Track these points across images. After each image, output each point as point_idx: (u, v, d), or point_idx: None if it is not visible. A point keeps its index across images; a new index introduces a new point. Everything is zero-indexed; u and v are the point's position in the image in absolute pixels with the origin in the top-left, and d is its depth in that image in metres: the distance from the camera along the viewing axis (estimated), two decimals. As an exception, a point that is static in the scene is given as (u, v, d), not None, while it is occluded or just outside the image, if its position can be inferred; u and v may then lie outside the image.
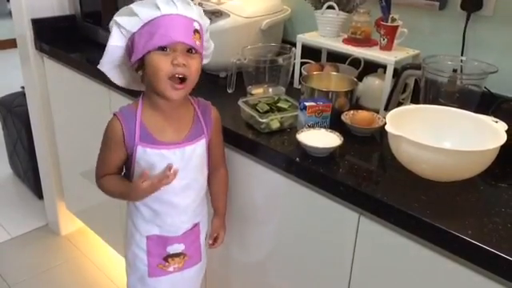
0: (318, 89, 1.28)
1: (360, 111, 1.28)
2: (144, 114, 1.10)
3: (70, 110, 2.05)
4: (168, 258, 1.20)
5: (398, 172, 1.04)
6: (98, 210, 2.12)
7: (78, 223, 2.38)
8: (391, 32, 1.33)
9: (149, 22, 1.00)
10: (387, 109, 1.32)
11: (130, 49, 1.06)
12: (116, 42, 1.05)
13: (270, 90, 1.45)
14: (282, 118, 1.23)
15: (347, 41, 1.42)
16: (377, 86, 1.37)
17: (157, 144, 1.09)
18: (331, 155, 1.12)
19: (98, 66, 1.11)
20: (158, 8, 0.99)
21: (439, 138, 1.06)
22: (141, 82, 1.12)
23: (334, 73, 1.44)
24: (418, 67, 1.26)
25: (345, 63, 1.58)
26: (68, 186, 2.32)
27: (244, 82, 1.46)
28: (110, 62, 1.10)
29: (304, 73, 1.49)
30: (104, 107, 1.75)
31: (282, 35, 1.74)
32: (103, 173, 1.15)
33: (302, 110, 1.20)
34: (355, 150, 1.16)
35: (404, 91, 1.39)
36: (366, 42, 1.40)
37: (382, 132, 1.18)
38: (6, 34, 4.49)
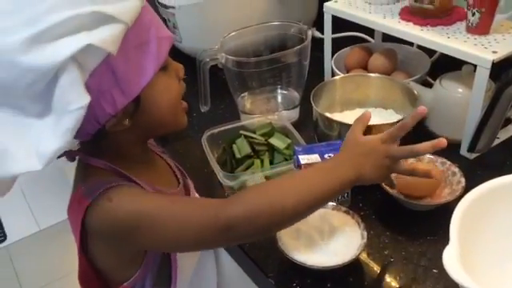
0: (338, 120, 0.71)
1: (417, 158, 0.70)
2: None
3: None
4: None
5: None
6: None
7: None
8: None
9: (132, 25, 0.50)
10: (474, 149, 0.72)
11: (101, 90, 0.50)
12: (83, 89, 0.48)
13: (279, 99, 0.90)
14: (267, 175, 0.69)
15: (407, 14, 0.80)
16: (459, 99, 0.75)
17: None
18: (347, 267, 0.58)
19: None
20: None
21: None
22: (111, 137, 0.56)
23: (376, 75, 0.82)
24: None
25: (412, 44, 0.96)
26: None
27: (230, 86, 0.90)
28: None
29: (335, 70, 0.90)
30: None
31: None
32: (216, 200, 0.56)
33: (296, 167, 0.65)
34: (396, 245, 0.61)
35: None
36: (442, 16, 0.77)
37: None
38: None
